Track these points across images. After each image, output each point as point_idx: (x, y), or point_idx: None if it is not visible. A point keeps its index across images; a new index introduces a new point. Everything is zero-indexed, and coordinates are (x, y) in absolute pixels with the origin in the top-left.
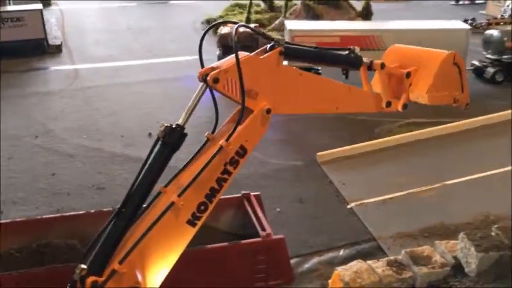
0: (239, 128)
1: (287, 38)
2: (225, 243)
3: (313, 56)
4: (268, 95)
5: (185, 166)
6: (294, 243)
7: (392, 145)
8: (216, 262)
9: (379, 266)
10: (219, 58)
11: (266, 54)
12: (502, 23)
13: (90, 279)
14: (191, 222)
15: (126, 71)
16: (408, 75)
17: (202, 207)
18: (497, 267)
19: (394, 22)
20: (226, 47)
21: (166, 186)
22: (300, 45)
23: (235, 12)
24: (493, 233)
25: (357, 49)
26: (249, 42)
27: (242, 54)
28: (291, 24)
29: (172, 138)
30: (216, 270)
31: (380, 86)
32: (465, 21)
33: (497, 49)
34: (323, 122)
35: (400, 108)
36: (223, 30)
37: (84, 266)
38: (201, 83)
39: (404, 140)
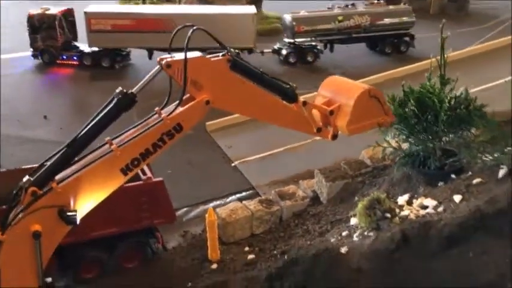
0: (181, 109)
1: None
2: None
3: (254, 75)
4: (210, 90)
5: (132, 128)
6: (183, 197)
7: None
8: (103, 206)
9: (251, 204)
10: (29, 36)
11: (216, 58)
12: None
13: (32, 189)
14: (123, 171)
15: (20, 62)
16: (331, 113)
17: (135, 162)
18: (342, 192)
19: (187, 7)
20: (33, 27)
21: (113, 139)
22: (247, 64)
23: (131, 1)
24: (341, 168)
25: (295, 86)
26: (52, 23)
27: (197, 54)
28: (89, 8)
29: (123, 100)
30: (104, 213)
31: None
32: (346, 6)
33: (291, 33)
34: None
35: (329, 138)
36: (32, 11)
37: (30, 178)
38: (158, 65)
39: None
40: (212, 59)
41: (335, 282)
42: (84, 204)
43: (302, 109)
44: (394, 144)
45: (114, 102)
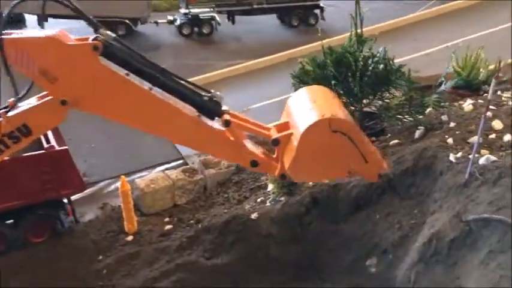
0: (28, 106)
1: None
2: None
3: (143, 72)
4: (69, 86)
5: None
6: (105, 170)
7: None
8: (3, 177)
9: (174, 173)
10: None
11: (77, 42)
12: None
13: None
14: None
15: None
16: (275, 142)
17: None
18: None
19: None
20: None
21: None
22: (136, 54)
23: None
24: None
25: (220, 96)
26: None
27: (51, 32)
28: None
29: None
30: (5, 185)
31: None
32: None
33: (184, 2)
34: None
35: (276, 175)
36: None
37: None
38: None
39: (212, 78)
40: (71, 43)
41: (244, 248)
42: None
43: (234, 131)
44: None
45: None
